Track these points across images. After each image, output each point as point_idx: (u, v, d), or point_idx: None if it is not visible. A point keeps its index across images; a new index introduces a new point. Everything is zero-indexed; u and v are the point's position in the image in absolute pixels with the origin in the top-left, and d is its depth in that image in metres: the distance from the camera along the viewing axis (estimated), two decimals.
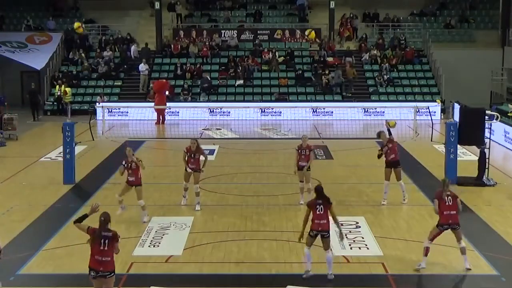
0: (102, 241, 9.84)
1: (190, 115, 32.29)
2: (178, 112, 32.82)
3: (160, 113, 31.56)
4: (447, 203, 12.22)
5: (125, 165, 15.58)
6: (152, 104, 31.89)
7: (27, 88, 38.60)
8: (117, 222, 15.49)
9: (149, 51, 37.65)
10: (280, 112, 33.02)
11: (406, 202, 17.19)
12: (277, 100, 34.38)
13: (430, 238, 12.40)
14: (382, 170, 17.14)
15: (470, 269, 12.38)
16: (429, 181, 19.72)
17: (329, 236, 11.88)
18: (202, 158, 16.72)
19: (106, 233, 9.88)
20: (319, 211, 11.85)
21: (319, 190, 12.06)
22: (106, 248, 9.83)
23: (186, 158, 16.51)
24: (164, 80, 34.04)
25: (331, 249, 12.11)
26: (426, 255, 12.41)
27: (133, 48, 37.27)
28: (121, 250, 13.42)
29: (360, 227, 15.23)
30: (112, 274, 9.94)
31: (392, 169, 16.91)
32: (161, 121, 31.68)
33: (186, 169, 16.56)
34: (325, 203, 11.92)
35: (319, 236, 11.89)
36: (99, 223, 9.95)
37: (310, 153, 16.78)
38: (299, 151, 16.77)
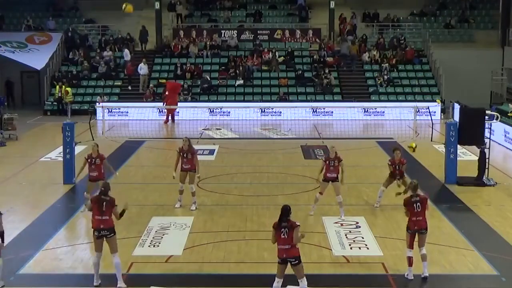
0: (102, 203, 11.53)
1: (190, 115, 32.33)
2: (178, 112, 32.83)
3: (170, 112, 31.64)
4: (415, 210, 11.97)
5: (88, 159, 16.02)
6: (151, 103, 31.93)
7: (28, 87, 38.75)
8: (117, 221, 15.51)
9: (147, 34, 38.13)
10: (280, 112, 33.01)
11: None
12: (279, 100, 34.33)
13: (408, 246, 12.09)
14: (382, 170, 17.17)
15: (425, 278, 12.01)
16: (429, 181, 19.72)
17: (299, 262, 10.56)
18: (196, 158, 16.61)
19: (105, 197, 11.63)
20: (283, 235, 10.48)
21: (284, 210, 10.58)
22: (104, 209, 11.51)
23: (180, 159, 16.37)
24: (176, 82, 34.05)
25: (305, 278, 10.73)
26: (410, 265, 12.10)
27: (126, 51, 37.14)
28: (121, 250, 13.47)
29: (360, 227, 15.24)
30: (113, 234, 11.59)
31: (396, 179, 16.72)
32: (170, 120, 31.84)
33: (181, 169, 16.43)
34: (290, 227, 10.47)
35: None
36: (99, 191, 11.80)
37: (340, 163, 16.03)
38: (327, 162, 16.10)
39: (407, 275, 12.20)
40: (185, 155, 16.30)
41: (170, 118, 32.12)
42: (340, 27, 39.50)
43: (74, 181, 19.09)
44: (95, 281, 11.72)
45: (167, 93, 32.48)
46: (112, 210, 11.58)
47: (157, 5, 38.30)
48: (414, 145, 22.08)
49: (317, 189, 18.65)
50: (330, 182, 16.01)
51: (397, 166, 16.70)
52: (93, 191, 15.99)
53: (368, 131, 29.10)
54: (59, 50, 37.63)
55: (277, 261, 10.63)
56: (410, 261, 12.10)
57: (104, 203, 11.53)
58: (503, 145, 25.53)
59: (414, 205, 12.01)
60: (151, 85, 34.99)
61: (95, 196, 11.79)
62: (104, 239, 11.55)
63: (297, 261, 10.50)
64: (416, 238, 12.08)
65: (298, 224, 10.55)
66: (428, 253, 12.56)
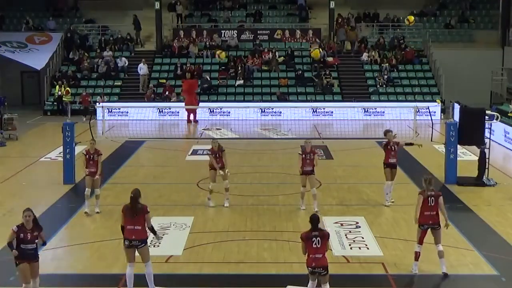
0: (133, 211, 11.03)
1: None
2: (178, 112, 32.86)
3: (191, 112, 31.72)
4: (429, 204, 12.09)
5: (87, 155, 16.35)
6: (151, 103, 31.90)
7: (28, 87, 38.73)
8: (116, 221, 15.51)
9: (139, 23, 38.74)
10: (280, 112, 33.00)
11: (394, 202, 17.18)
12: (278, 100, 34.30)
13: (418, 242, 12.27)
14: (382, 170, 17.11)
15: (447, 274, 12.18)
16: None
17: (327, 273, 10.44)
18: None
19: (136, 205, 11.08)
20: (315, 244, 10.34)
21: (314, 220, 10.48)
22: (136, 218, 11.00)
23: (212, 159, 16.78)
24: (193, 80, 34.03)
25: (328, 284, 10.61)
26: (416, 259, 12.28)
27: (123, 60, 37.17)
28: (120, 250, 13.43)
29: (360, 227, 15.23)
30: (144, 244, 11.10)
31: (391, 169, 16.92)
32: (192, 120, 32.02)
33: (212, 169, 16.78)
34: (322, 236, 10.40)
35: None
36: (129, 199, 11.13)
37: (314, 156, 16.45)
38: (304, 155, 16.47)
39: (413, 269, 12.32)
40: (217, 155, 16.76)
41: (192, 117, 32.12)
42: (337, 26, 39.49)
43: (74, 180, 19.13)
44: None
45: (181, 91, 32.68)
46: (144, 217, 11.10)
47: (157, 5, 38.28)
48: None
49: (318, 188, 18.69)
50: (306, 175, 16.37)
51: (392, 147, 16.85)
52: (91, 186, 16.19)
53: (368, 131, 29.09)
54: (59, 50, 37.63)
55: (308, 271, 10.46)
56: (417, 255, 12.24)
57: (135, 211, 11.07)
58: (503, 145, 25.52)
59: (429, 199, 12.09)
60: (151, 85, 35.01)
61: (126, 205, 11.21)
62: (136, 249, 11.12)
63: (326, 272, 10.39)
64: (431, 235, 12.15)
65: (328, 232, 10.57)
66: (428, 253, 12.59)
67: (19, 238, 10.29)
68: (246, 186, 19.39)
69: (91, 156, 16.26)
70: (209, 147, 24.83)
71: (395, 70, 36.84)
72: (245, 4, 42.73)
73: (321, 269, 10.34)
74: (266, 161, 23.12)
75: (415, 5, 41.78)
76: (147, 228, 11.21)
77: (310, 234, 10.36)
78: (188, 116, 32.12)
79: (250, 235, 14.73)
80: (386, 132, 17.18)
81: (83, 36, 39.12)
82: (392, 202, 17.19)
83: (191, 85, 32.64)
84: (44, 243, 10.82)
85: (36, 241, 10.48)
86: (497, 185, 19.30)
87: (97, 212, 16.28)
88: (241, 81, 35.91)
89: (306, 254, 10.42)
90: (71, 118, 20.70)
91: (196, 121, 32.10)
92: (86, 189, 16.26)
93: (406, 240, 14.32)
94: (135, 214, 11.04)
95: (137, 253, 11.22)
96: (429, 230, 12.19)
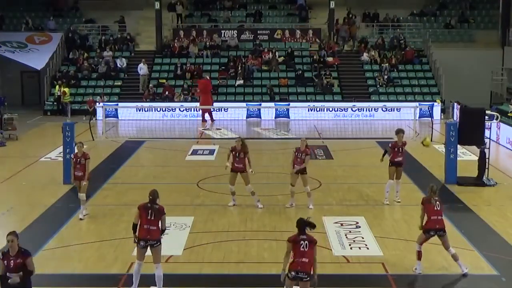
0: (150, 211, 11.14)
1: (191, 115, 32.35)
2: (179, 112, 32.85)
3: (205, 112, 31.77)
4: (435, 208, 12.09)
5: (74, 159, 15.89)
6: (152, 103, 31.86)
7: (28, 87, 38.73)
8: (116, 221, 15.51)
9: (124, 20, 39.28)
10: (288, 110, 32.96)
11: (401, 201, 17.18)
12: (269, 95, 34.19)
13: (419, 243, 12.32)
14: (382, 170, 17.14)
15: (466, 275, 12.22)
16: (429, 181, 19.61)
17: (309, 280, 9.94)
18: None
19: (153, 205, 11.21)
20: (303, 247, 10.00)
21: (301, 224, 10.21)
22: (152, 218, 11.12)
23: (231, 157, 16.46)
24: (207, 79, 34.00)
25: None
26: (419, 258, 12.33)
27: (118, 61, 37.16)
28: (120, 250, 13.48)
29: (360, 227, 15.22)
30: (159, 243, 11.20)
31: (396, 167, 16.90)
32: (209, 119, 32.03)
33: (230, 170, 16.50)
34: (310, 240, 10.08)
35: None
36: (148, 200, 11.26)
37: (306, 157, 16.25)
38: (296, 153, 16.41)
39: (416, 269, 12.34)
40: (237, 155, 16.42)
41: (208, 116, 32.11)
42: (337, 26, 39.52)
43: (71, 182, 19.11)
44: None
45: (198, 91, 32.83)
46: (160, 218, 11.19)
47: (157, 5, 38.27)
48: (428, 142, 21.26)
49: (318, 188, 18.73)
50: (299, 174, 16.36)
51: (399, 149, 16.80)
52: (81, 190, 15.86)
53: (368, 131, 29.08)
54: (59, 50, 37.62)
55: (289, 276, 9.95)
56: (419, 255, 12.27)
57: (152, 212, 11.15)
58: (503, 145, 25.50)
59: (434, 202, 12.10)
60: (151, 85, 35.00)
61: (143, 203, 11.23)
62: (149, 247, 11.17)
63: (308, 279, 9.94)
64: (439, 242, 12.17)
65: (316, 239, 10.23)
66: (428, 253, 12.60)
67: (4, 265, 9.30)
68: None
69: (78, 159, 15.70)
70: (209, 147, 25.13)
71: (395, 70, 36.83)
72: (245, 4, 42.72)
73: (304, 274, 9.89)
74: (265, 161, 23.11)
75: (415, 5, 41.80)
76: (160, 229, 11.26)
77: (298, 237, 10.06)
78: (203, 116, 32.15)
79: (250, 235, 14.72)
80: (398, 132, 17.03)
81: (83, 36, 39.12)
82: (399, 202, 17.15)
83: (206, 84, 32.69)
84: (29, 273, 9.38)
85: (14, 276, 9.26)
86: (497, 185, 19.30)
87: (80, 219, 15.75)
88: (241, 81, 35.90)
89: (292, 258, 10.00)
90: (71, 118, 20.69)
91: (212, 120, 32.09)
92: (79, 194, 15.95)
93: (406, 240, 14.32)
94: (153, 215, 11.11)
95: (149, 252, 11.23)
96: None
